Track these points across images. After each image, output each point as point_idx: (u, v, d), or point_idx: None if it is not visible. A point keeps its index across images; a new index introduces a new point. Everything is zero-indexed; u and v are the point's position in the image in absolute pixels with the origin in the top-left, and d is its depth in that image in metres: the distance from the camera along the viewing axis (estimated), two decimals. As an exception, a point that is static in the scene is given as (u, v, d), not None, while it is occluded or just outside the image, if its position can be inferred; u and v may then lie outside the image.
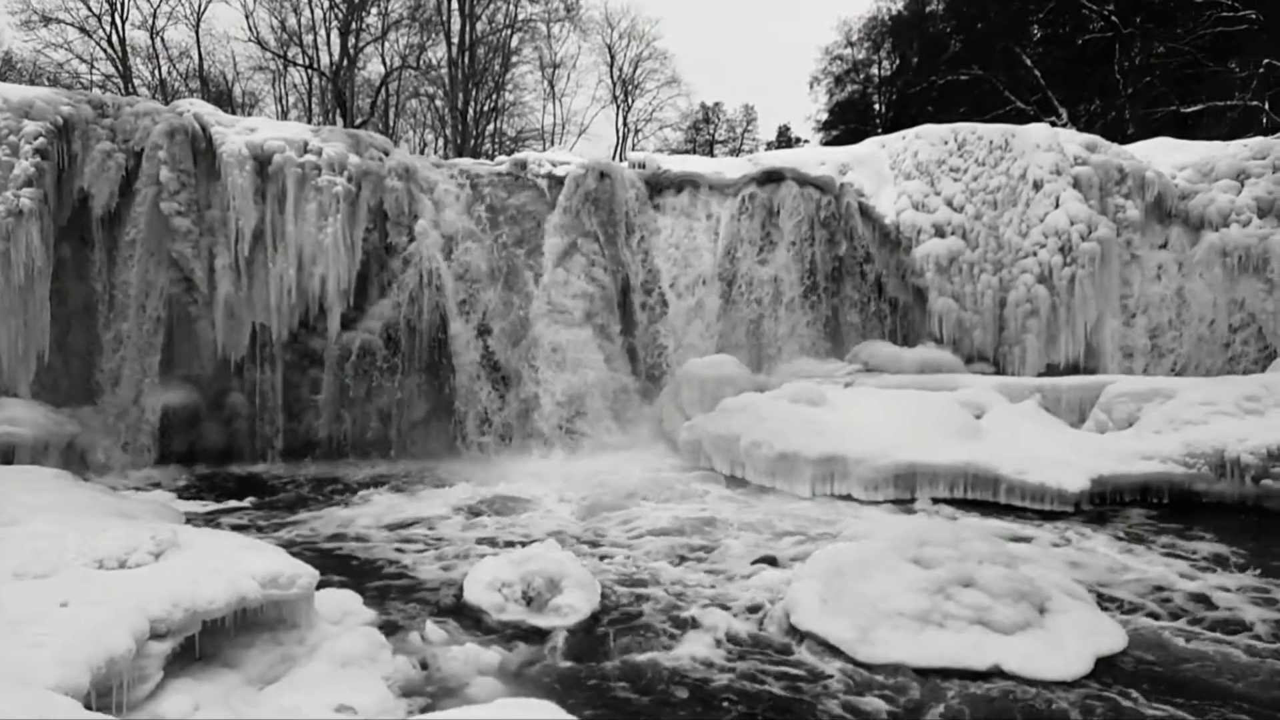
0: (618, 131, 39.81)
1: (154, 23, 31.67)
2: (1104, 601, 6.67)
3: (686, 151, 42.01)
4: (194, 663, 4.85)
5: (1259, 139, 15.49)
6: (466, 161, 16.14)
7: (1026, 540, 8.61)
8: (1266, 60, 23.85)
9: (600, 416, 13.70)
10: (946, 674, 5.34)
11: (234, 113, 26.23)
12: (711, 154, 43.29)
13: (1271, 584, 7.20)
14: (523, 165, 15.34)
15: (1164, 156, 15.65)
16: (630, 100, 39.97)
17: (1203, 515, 9.62)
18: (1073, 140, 15.36)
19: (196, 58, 32.96)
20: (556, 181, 15.06)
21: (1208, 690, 5.20)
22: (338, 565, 7.74)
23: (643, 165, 16.13)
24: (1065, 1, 29.38)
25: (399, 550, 8.33)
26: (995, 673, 5.33)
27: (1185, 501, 10.06)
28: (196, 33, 32.29)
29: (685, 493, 10.73)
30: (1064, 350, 14.11)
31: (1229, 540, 8.50)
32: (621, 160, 17.65)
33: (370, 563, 7.93)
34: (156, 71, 32.79)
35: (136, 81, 31.91)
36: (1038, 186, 14.55)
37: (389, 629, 5.93)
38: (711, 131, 48.12)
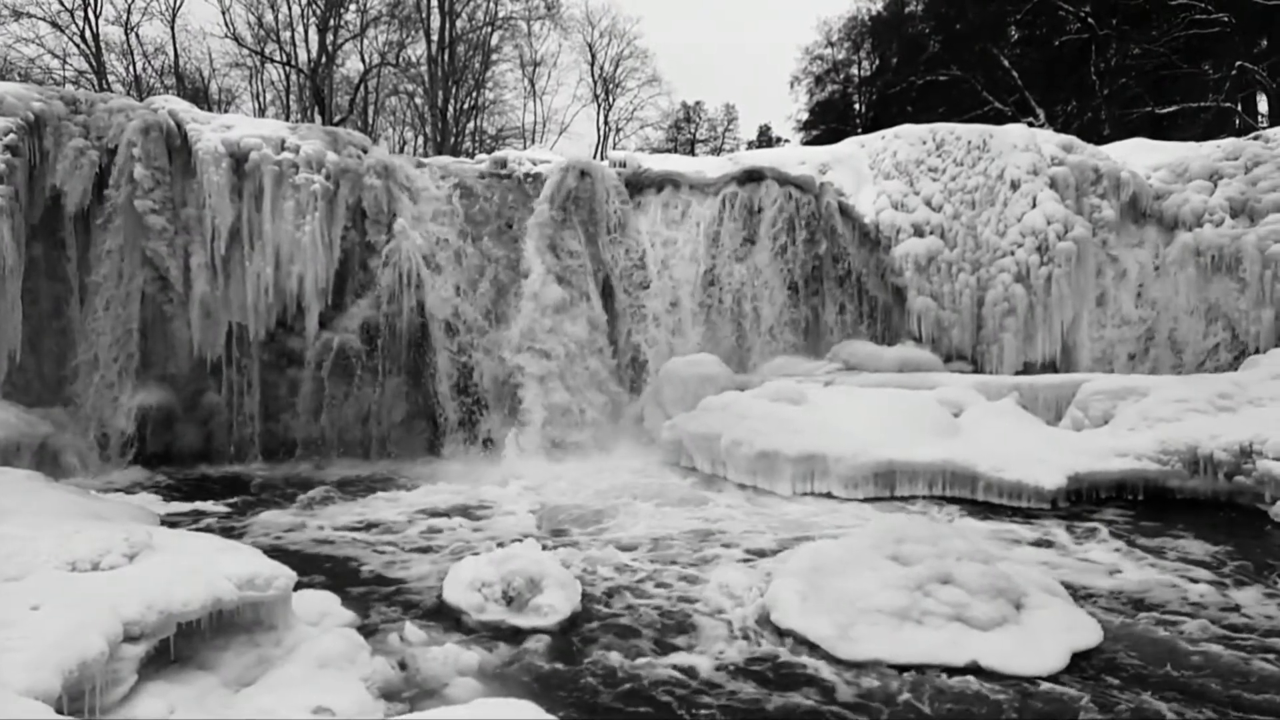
0: (599, 130, 39.84)
1: (128, 18, 31.31)
2: (1080, 597, 6.73)
3: (668, 150, 42.07)
4: (169, 665, 4.79)
5: (1231, 140, 15.71)
6: (446, 160, 16.05)
7: (1018, 541, 8.69)
8: (1239, 62, 24.19)
9: (581, 417, 13.66)
10: (925, 670, 5.37)
11: (210, 110, 25.95)
12: (693, 153, 43.34)
13: (1245, 580, 7.31)
14: (503, 163, 15.28)
15: (1139, 157, 15.84)
16: (611, 99, 39.99)
17: (1177, 512, 9.74)
18: (1049, 141, 15.51)
19: (172, 54, 32.63)
20: (537, 180, 15.02)
21: (1182, 685, 5.27)
22: (316, 566, 7.68)
23: (624, 164, 16.12)
24: (1042, 3, 29.67)
25: (378, 551, 8.28)
26: (972, 668, 5.37)
27: (1159, 498, 10.18)
28: (172, 28, 31.97)
29: (665, 492, 10.73)
30: (1041, 349, 14.24)
31: (1204, 537, 8.61)
32: (602, 159, 17.62)
33: (349, 563, 7.87)
34: (131, 68, 32.40)
35: (110, 78, 31.50)
36: (1015, 186, 14.68)
37: (368, 630, 5.89)
38: (693, 130, 48.26)
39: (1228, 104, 24.95)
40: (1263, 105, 26.43)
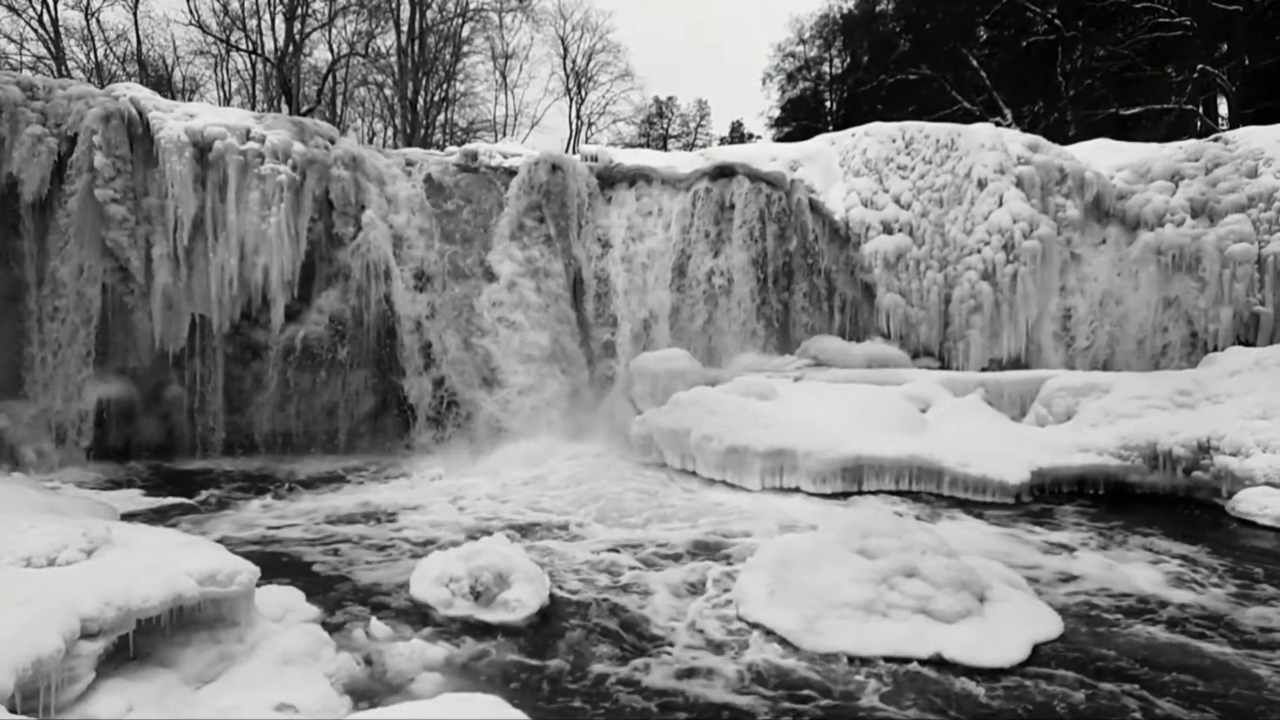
0: (570, 124, 39.67)
1: (89, 3, 30.57)
2: (1042, 590, 6.84)
3: (640, 145, 42.06)
4: (128, 662, 4.71)
5: (1193, 142, 16.01)
6: (415, 151, 15.88)
7: (983, 534, 8.80)
8: (1200, 65, 24.66)
9: (551, 412, 13.62)
10: (890, 662, 5.43)
11: (174, 98, 25.48)
12: (665, 148, 43.31)
13: (1203, 572, 7.46)
14: (474, 156, 15.16)
15: (1103, 157, 16.08)
16: (583, 93, 39.86)
17: (1137, 506, 9.94)
18: (1016, 140, 15.70)
19: (134, 40, 31.91)
20: (508, 173, 14.92)
21: (1140, 676, 5.37)
22: (280, 562, 7.59)
23: (595, 158, 16.05)
24: (1010, 4, 30.02)
25: (344, 546, 8.19)
26: (936, 660, 5.44)
27: (1120, 492, 10.38)
28: (134, 14, 31.24)
29: (634, 486, 10.73)
30: (1006, 345, 14.44)
31: (1164, 530, 8.79)
32: (574, 153, 17.55)
33: (314, 559, 7.78)
34: (92, 54, 31.69)
35: (70, 64, 30.77)
36: (982, 185, 14.85)
37: (333, 626, 5.84)
38: (665, 126, 48.28)
39: (1189, 106, 25.42)
40: (1223, 108, 26.96)
